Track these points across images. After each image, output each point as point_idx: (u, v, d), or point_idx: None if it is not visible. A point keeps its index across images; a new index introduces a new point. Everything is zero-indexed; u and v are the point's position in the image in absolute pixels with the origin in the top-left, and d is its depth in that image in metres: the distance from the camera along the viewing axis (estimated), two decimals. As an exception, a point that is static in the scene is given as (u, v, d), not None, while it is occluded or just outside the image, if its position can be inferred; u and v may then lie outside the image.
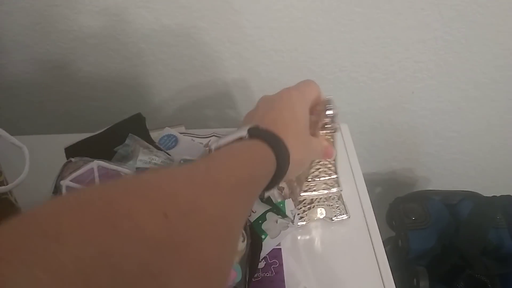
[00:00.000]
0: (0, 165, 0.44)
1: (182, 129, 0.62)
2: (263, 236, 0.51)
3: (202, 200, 0.25)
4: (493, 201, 0.80)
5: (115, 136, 0.51)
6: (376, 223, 0.58)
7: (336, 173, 0.53)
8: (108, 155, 0.48)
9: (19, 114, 0.78)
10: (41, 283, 0.17)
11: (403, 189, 1.02)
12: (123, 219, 0.21)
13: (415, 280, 0.75)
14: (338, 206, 0.57)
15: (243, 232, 0.46)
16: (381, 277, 0.53)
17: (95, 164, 0.43)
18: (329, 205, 0.56)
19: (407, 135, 0.91)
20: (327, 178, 0.53)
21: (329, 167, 0.52)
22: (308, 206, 0.55)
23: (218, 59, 0.72)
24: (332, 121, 0.46)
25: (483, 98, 0.84)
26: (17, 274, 0.16)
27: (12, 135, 0.43)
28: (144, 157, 0.46)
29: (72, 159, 0.44)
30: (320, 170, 0.52)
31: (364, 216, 0.59)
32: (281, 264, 0.51)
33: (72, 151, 0.50)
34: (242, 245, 0.45)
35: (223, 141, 0.36)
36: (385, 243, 0.58)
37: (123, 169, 0.44)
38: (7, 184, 0.43)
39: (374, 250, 0.55)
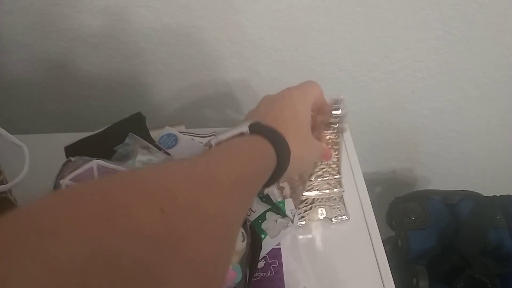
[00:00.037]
0: (0, 164, 0.44)
1: (182, 128, 0.62)
2: (262, 236, 0.51)
3: (200, 196, 0.25)
4: (493, 201, 0.80)
5: (115, 135, 0.51)
6: (376, 222, 0.58)
7: (339, 173, 0.53)
8: (108, 154, 0.48)
9: (19, 113, 0.78)
10: (37, 278, 0.16)
11: (403, 188, 1.02)
12: (120, 214, 0.21)
13: (414, 280, 0.75)
14: (338, 207, 0.57)
15: (243, 231, 0.46)
16: (381, 277, 0.53)
17: (95, 163, 0.43)
18: (330, 206, 0.56)
19: (407, 134, 0.91)
20: (330, 178, 0.53)
21: (333, 167, 0.52)
22: (310, 205, 0.55)
23: (218, 58, 0.72)
24: (340, 121, 0.47)
25: (483, 98, 0.84)
26: (12, 270, 0.16)
27: (11, 134, 0.43)
28: (143, 158, 0.46)
29: (72, 158, 0.44)
30: (324, 170, 0.52)
31: (364, 216, 0.59)
32: (280, 264, 0.51)
33: (72, 150, 0.49)
34: (242, 245, 0.45)
35: (224, 136, 0.36)
36: (385, 242, 0.58)
37: (122, 168, 0.44)
38: (6, 183, 0.43)
39: (373, 249, 0.55)
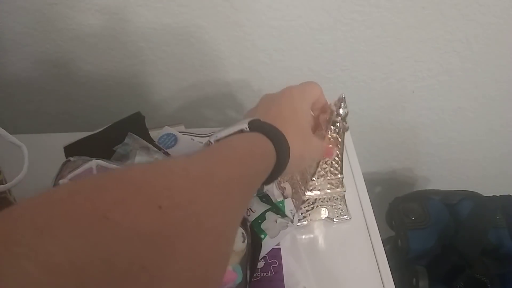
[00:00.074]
0: (-1, 164, 0.44)
1: (182, 128, 0.62)
2: (262, 236, 0.51)
3: (198, 194, 0.25)
4: (493, 201, 0.80)
5: (114, 135, 0.51)
6: (376, 222, 0.58)
7: (341, 173, 0.53)
8: (107, 154, 0.48)
9: (18, 113, 0.77)
10: (33, 276, 0.16)
11: (403, 188, 1.02)
12: (116, 211, 0.20)
13: (414, 279, 0.75)
14: (340, 207, 0.57)
15: (243, 232, 0.46)
16: (381, 276, 0.53)
17: (94, 163, 0.43)
18: (332, 206, 0.56)
19: (407, 134, 0.91)
20: (332, 177, 0.53)
21: (336, 167, 0.52)
22: (312, 206, 0.55)
23: (218, 58, 0.72)
24: (342, 120, 0.47)
25: (483, 98, 0.84)
26: (7, 268, 0.16)
27: (11, 134, 0.43)
28: (141, 159, 0.46)
29: (71, 158, 0.44)
30: (326, 169, 0.52)
31: (364, 216, 0.59)
32: (280, 264, 0.51)
33: (71, 150, 0.49)
34: (242, 245, 0.45)
35: (223, 133, 0.36)
36: (384, 242, 0.58)
37: (122, 168, 0.44)
38: (6, 183, 0.43)
39: (373, 249, 0.55)
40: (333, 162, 0.52)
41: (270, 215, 0.53)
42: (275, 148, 0.36)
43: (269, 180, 0.37)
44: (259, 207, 0.53)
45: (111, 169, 0.43)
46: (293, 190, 0.56)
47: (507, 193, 0.82)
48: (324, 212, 0.57)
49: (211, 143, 0.36)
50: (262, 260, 0.51)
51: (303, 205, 0.55)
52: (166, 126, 0.60)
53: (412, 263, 0.78)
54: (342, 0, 0.65)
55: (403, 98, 0.83)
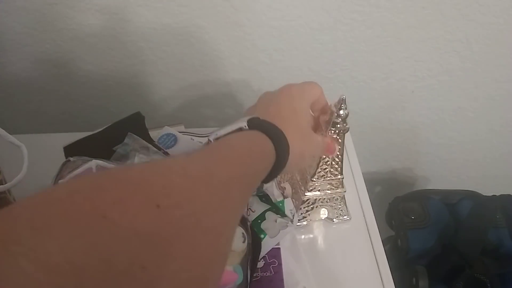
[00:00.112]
0: (-1, 164, 0.44)
1: (182, 128, 0.62)
2: (262, 236, 0.51)
3: (196, 192, 0.25)
4: (492, 200, 0.80)
5: (114, 135, 0.50)
6: (376, 222, 0.58)
7: (341, 173, 0.53)
8: (107, 154, 0.48)
9: (18, 113, 0.77)
10: (31, 276, 0.16)
11: (402, 188, 1.02)
12: (115, 210, 0.20)
13: (414, 279, 0.75)
14: (340, 207, 0.57)
15: (244, 232, 0.46)
16: (381, 276, 0.53)
17: (94, 163, 0.43)
18: (332, 206, 0.56)
19: (407, 134, 0.91)
20: (332, 178, 0.53)
21: (336, 168, 0.52)
22: (311, 206, 0.55)
23: (218, 58, 0.72)
24: (342, 121, 0.47)
25: (483, 97, 0.84)
26: (6, 268, 0.16)
27: (10, 134, 0.43)
28: (141, 160, 0.46)
29: (71, 159, 0.44)
30: (326, 170, 0.52)
31: (364, 216, 0.59)
32: (280, 264, 0.51)
33: (71, 150, 0.49)
34: (243, 246, 0.45)
35: (222, 131, 0.36)
36: (384, 242, 0.58)
37: (122, 168, 0.44)
38: (5, 183, 0.43)
39: (373, 249, 0.55)
40: (333, 163, 0.52)
41: (270, 215, 0.53)
42: (274, 146, 0.36)
43: (268, 178, 0.37)
44: (259, 207, 0.53)
45: (110, 168, 0.43)
46: (293, 190, 0.56)
47: (507, 192, 0.81)
48: (324, 213, 0.57)
49: (211, 141, 0.36)
50: (262, 260, 0.51)
51: (303, 205, 0.55)
52: (166, 126, 0.60)
53: (412, 262, 0.78)
54: (342, 0, 0.65)
55: (403, 98, 0.83)
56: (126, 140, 0.49)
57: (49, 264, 0.17)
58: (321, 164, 0.51)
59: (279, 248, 0.52)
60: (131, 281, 0.19)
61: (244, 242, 0.45)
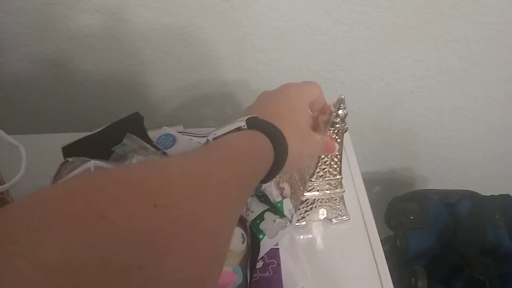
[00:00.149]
0: (-3, 164, 0.44)
1: (180, 128, 0.62)
2: (261, 236, 0.51)
3: (194, 192, 0.25)
4: (491, 200, 0.80)
5: (112, 136, 0.50)
6: (375, 222, 0.58)
7: (340, 173, 0.53)
8: (105, 155, 0.48)
9: (16, 113, 0.77)
10: (28, 276, 0.16)
11: (401, 188, 1.02)
12: (111, 209, 0.20)
13: (413, 279, 0.75)
14: (339, 208, 0.57)
15: (243, 232, 0.46)
16: (380, 276, 0.53)
17: (92, 164, 0.43)
18: (331, 206, 0.56)
19: (406, 134, 0.91)
20: (331, 178, 0.53)
21: (335, 168, 0.52)
22: (310, 206, 0.55)
23: (217, 58, 0.72)
24: (342, 121, 0.47)
25: (482, 97, 0.84)
26: (3, 268, 0.16)
27: (9, 134, 0.43)
28: (140, 159, 0.46)
29: (69, 159, 0.44)
30: (325, 170, 0.52)
31: (363, 216, 0.59)
32: (279, 264, 0.51)
33: (69, 150, 0.49)
34: (242, 246, 0.45)
35: (221, 131, 0.36)
36: (383, 242, 0.58)
37: (120, 168, 0.44)
38: (3, 184, 0.43)
39: (372, 249, 0.55)
40: (332, 163, 0.52)
41: (269, 215, 0.53)
42: (273, 146, 0.36)
43: (267, 178, 0.37)
44: (257, 207, 0.53)
45: (108, 168, 0.43)
46: (292, 191, 0.56)
47: (506, 192, 0.81)
48: (322, 213, 0.57)
49: (209, 141, 0.36)
50: (261, 260, 0.51)
51: (302, 206, 0.55)
52: (165, 126, 0.60)
53: (411, 262, 0.78)
54: (342, 0, 0.65)
55: (402, 98, 0.83)
56: (124, 141, 0.49)
57: (47, 264, 0.17)
58: (320, 164, 0.51)
59: (278, 248, 0.52)
60: (129, 281, 0.19)
61: (243, 242, 0.45)
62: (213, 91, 0.77)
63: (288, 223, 0.52)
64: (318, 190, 0.54)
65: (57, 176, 0.43)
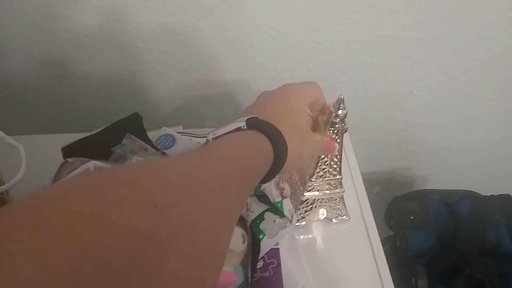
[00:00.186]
0: (-4, 165, 0.44)
1: (180, 128, 0.62)
2: (261, 236, 0.51)
3: (194, 192, 0.25)
4: (491, 200, 0.80)
5: (112, 136, 0.50)
6: (375, 222, 0.58)
7: (340, 173, 0.53)
8: (105, 155, 0.48)
9: (16, 114, 0.77)
10: (29, 275, 0.16)
11: (401, 188, 1.02)
12: (111, 209, 0.20)
13: (413, 279, 0.75)
14: (339, 208, 0.57)
15: (244, 232, 0.46)
16: (380, 276, 0.53)
17: (92, 164, 0.42)
18: (331, 206, 0.56)
19: (405, 134, 0.91)
20: (331, 178, 0.53)
21: (334, 168, 0.52)
22: (310, 206, 0.55)
23: (216, 58, 0.72)
24: (341, 121, 0.47)
25: (481, 97, 0.84)
26: (4, 266, 0.16)
27: (8, 135, 0.43)
28: (140, 159, 0.46)
29: (69, 160, 0.44)
30: (325, 170, 0.52)
31: (362, 216, 0.59)
32: (279, 264, 0.51)
33: (69, 151, 0.49)
34: (243, 246, 0.45)
35: (220, 131, 0.36)
36: (383, 242, 0.58)
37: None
38: (3, 184, 0.43)
39: (372, 249, 0.55)
40: (332, 163, 0.52)
41: (269, 215, 0.53)
42: (272, 146, 0.36)
43: (267, 178, 0.37)
44: (257, 207, 0.53)
45: (107, 168, 0.43)
46: (292, 191, 0.56)
47: (506, 192, 0.82)
48: (322, 213, 0.57)
49: (209, 141, 0.36)
50: (261, 260, 0.51)
51: (302, 206, 0.55)
52: (164, 127, 0.60)
53: (411, 262, 0.78)
54: (340, 0, 0.65)
55: (402, 98, 0.83)
56: (124, 141, 0.49)
57: (48, 263, 0.17)
58: (319, 164, 0.51)
59: (278, 248, 0.52)
60: (129, 280, 0.19)
61: (244, 242, 0.45)
62: (212, 91, 0.77)
63: (288, 223, 0.52)
64: (318, 190, 0.54)
65: (57, 176, 0.43)
